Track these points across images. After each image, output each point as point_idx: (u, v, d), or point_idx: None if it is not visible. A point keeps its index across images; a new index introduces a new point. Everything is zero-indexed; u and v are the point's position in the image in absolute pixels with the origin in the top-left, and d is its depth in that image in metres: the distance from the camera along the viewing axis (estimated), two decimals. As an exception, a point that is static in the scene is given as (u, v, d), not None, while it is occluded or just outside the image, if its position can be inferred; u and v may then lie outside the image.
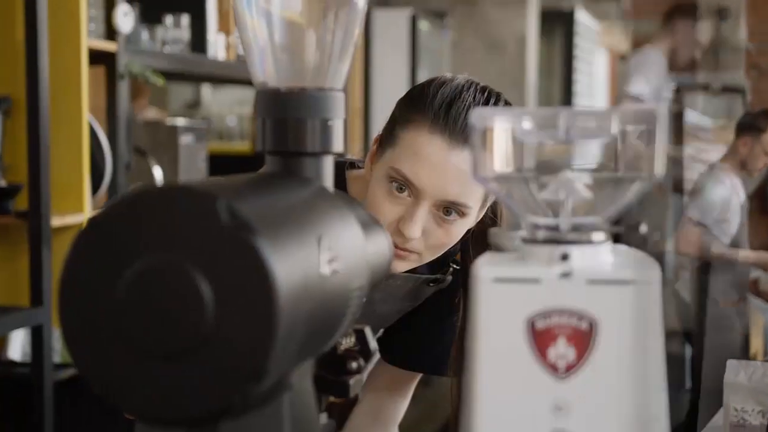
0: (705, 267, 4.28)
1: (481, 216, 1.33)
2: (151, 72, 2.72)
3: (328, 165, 0.81)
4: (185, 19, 3.02)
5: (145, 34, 2.90)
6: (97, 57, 2.62)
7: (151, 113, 4.40)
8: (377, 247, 0.84)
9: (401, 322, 1.50)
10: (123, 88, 2.65)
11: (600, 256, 0.69)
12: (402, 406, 1.54)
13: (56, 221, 2.40)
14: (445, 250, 1.30)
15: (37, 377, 2.39)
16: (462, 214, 1.25)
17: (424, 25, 4.74)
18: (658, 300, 0.67)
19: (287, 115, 0.79)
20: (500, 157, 0.70)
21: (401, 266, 1.29)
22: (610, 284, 0.66)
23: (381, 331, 1.53)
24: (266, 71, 0.81)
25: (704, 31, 4.44)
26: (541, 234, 0.70)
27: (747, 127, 4.35)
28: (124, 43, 2.68)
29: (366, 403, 1.53)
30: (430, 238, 1.26)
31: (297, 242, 0.64)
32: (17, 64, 2.39)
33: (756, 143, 4.32)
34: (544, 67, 7.15)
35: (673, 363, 3.72)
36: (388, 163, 1.25)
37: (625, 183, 0.69)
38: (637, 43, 9.81)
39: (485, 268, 0.68)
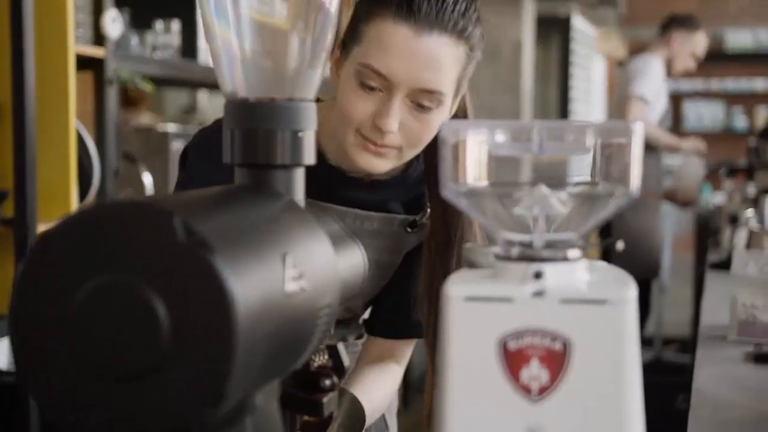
0: None
1: (454, 108, 1.32)
2: (140, 78, 2.70)
3: (299, 177, 0.78)
4: (176, 25, 3.00)
5: (134, 40, 2.87)
6: (85, 62, 2.60)
7: (145, 118, 4.37)
8: (350, 260, 0.82)
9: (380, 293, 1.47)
10: (111, 94, 2.63)
11: (575, 273, 0.66)
12: (400, 373, 1.49)
13: (43, 228, 2.37)
14: (424, 145, 1.28)
15: (23, 386, 2.37)
16: (437, 102, 1.23)
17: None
18: (635, 320, 0.64)
19: (257, 126, 0.77)
20: (472, 171, 0.68)
21: (382, 164, 1.27)
22: (585, 304, 0.64)
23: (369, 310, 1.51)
24: (235, 81, 0.79)
25: (701, 41, 4.43)
26: (515, 251, 0.67)
27: (680, 24, 4.37)
28: (112, 49, 2.66)
29: (369, 354, 1.48)
30: (408, 132, 1.25)
31: (259, 260, 0.62)
32: (3, 70, 2.37)
33: (686, 42, 4.34)
34: (540, 73, 7.13)
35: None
36: (356, 60, 1.24)
37: (602, 198, 0.67)
38: (634, 49, 9.81)
39: (456, 287, 0.66)
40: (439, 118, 1.26)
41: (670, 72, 4.43)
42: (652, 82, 4.27)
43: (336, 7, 0.82)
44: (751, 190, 3.99)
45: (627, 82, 4.39)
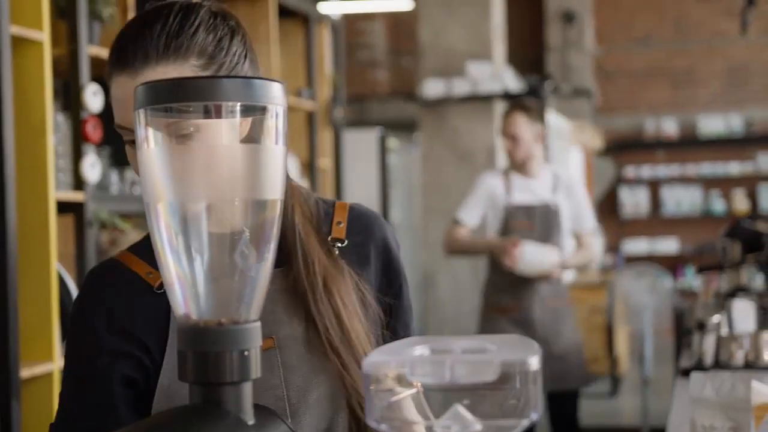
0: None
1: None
2: (119, 218, 2.80)
3: (246, 391, 0.87)
4: (153, 160, 3.11)
5: (114, 177, 2.98)
6: (65, 206, 2.69)
7: (133, 239, 4.46)
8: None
9: None
10: (91, 236, 2.72)
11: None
12: None
13: (25, 372, 2.43)
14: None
15: None
16: (195, 127, 1.15)
17: (393, 142, 4.87)
18: None
19: (207, 349, 0.86)
20: (390, 400, 0.76)
21: None
22: None
23: None
24: (187, 305, 0.88)
25: (503, 121, 4.21)
26: (435, 468, 0.75)
27: None
28: (92, 192, 2.76)
29: None
30: None
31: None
32: (-14, 218, 2.46)
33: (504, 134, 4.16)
34: (517, 170, 7.27)
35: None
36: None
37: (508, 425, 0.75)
38: (609, 138, 10.04)
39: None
40: (215, 137, 1.15)
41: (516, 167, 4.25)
42: (473, 203, 4.17)
43: (278, 225, 0.91)
44: (724, 284, 4.07)
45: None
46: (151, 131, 0.88)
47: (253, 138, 0.89)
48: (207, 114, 0.88)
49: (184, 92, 0.87)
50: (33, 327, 2.50)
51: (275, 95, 0.88)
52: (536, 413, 0.74)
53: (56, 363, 2.53)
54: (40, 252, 2.52)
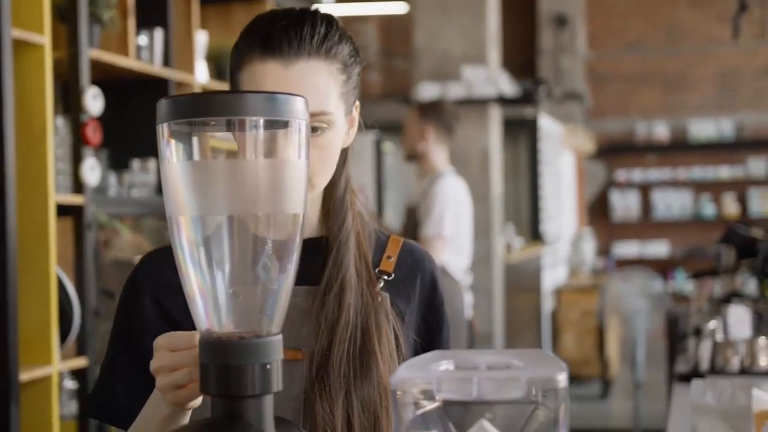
0: None
1: (356, 124, 1.32)
2: (118, 221, 2.79)
3: (268, 404, 0.87)
4: (152, 164, 3.11)
5: (113, 180, 2.98)
6: (65, 209, 2.69)
7: (126, 239, 4.43)
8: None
9: None
10: (90, 238, 2.72)
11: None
12: None
13: (24, 376, 2.43)
14: (332, 169, 1.27)
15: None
16: (327, 123, 1.24)
17: (388, 146, 4.87)
18: None
19: (229, 362, 0.86)
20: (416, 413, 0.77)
21: None
22: None
23: None
24: (209, 319, 0.88)
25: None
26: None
27: None
28: (91, 195, 2.76)
29: None
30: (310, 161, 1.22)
31: None
32: (-14, 221, 2.45)
33: None
34: (510, 173, 7.29)
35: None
36: None
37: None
38: (601, 142, 10.07)
39: None
40: (336, 137, 1.26)
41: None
42: None
43: (300, 239, 0.92)
44: (718, 288, 4.08)
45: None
46: (173, 145, 0.88)
47: (275, 152, 0.89)
48: (230, 128, 0.88)
49: (207, 107, 0.87)
50: (32, 330, 2.49)
51: (298, 110, 0.89)
52: (565, 430, 0.75)
53: (55, 366, 2.52)
54: (40, 255, 2.51)
